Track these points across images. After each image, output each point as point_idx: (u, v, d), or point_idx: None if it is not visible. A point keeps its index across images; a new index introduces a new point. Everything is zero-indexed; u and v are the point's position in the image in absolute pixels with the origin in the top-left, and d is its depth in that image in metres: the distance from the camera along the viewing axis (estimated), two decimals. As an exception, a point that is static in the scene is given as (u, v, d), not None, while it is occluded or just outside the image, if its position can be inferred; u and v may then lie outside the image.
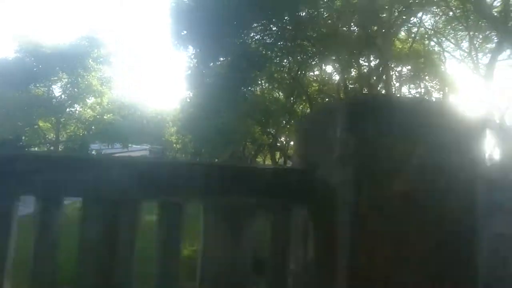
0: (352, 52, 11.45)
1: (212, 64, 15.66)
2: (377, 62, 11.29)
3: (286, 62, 16.87)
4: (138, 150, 57.23)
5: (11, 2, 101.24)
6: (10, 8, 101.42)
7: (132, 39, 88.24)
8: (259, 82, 22.83)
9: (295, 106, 20.36)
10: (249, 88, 16.08)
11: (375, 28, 10.66)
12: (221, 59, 15.17)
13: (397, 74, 17.85)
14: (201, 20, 13.46)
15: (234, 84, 15.36)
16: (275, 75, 18.44)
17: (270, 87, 22.04)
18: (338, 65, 12.65)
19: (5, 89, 20.59)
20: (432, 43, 16.60)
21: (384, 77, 10.70)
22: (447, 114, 1.27)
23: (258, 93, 22.28)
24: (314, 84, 18.28)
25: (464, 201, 1.20)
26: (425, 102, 1.87)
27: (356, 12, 11.79)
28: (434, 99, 16.26)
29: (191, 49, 15.43)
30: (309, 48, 14.60)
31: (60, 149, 21.81)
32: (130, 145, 28.34)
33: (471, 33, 14.30)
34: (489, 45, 14.78)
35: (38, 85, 21.19)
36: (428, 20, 15.28)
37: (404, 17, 11.75)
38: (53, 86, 21.75)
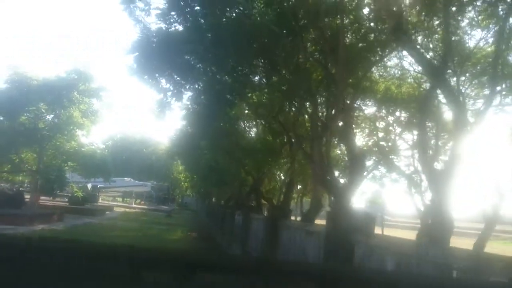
0: (310, 89, 11.00)
1: (183, 99, 15.48)
2: (332, 100, 10.74)
3: (265, 99, 16.57)
4: (139, 186, 57.64)
5: (9, 32, 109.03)
6: (7, 38, 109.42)
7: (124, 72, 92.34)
8: (252, 122, 22.72)
9: (283, 146, 19.73)
10: (221, 124, 15.68)
11: (332, 63, 10.23)
12: (191, 93, 14.96)
13: (395, 120, 17.36)
14: (171, 54, 13.44)
15: (205, 121, 15.10)
16: (259, 111, 18.14)
17: (260, 126, 21.75)
18: (298, 103, 12.21)
19: (-8, 117, 21.34)
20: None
21: (341, 117, 10.09)
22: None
23: (244, 131, 22.03)
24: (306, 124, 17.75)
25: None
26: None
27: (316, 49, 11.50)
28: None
29: (163, 83, 15.30)
30: (281, 85, 14.28)
31: (37, 178, 21.99)
32: (113, 179, 28.20)
33: (461, 78, 13.69)
34: (478, 91, 14.13)
35: (25, 115, 21.77)
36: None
37: (374, 57, 11.33)
38: (39, 116, 22.29)
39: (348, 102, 10.73)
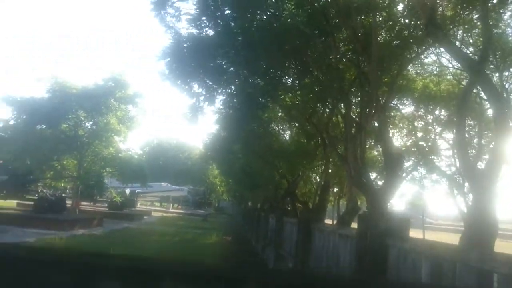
0: (343, 89, 10.82)
1: (215, 103, 15.63)
2: (366, 100, 10.51)
3: (298, 101, 16.50)
4: (176, 190, 58.66)
5: (52, 44, 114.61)
6: (49, 48, 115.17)
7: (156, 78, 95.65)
8: (285, 125, 22.63)
9: (317, 149, 19.52)
10: (254, 127, 15.75)
11: (365, 62, 10.03)
12: (223, 97, 15.11)
13: (434, 118, 16.99)
14: (203, 59, 13.63)
15: (238, 124, 15.22)
16: (292, 113, 18.04)
17: (294, 128, 21.62)
18: (331, 103, 12.04)
19: (36, 125, 22.45)
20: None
21: (375, 117, 9.88)
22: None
23: (274, 133, 21.94)
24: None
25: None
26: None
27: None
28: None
29: (196, 87, 15.53)
30: (313, 86, 14.16)
31: (78, 184, 22.88)
32: (150, 184, 28.87)
33: (504, 73, 13.19)
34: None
35: (66, 123, 22.77)
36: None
37: (409, 55, 11.03)
38: (79, 124, 23.24)
39: (383, 101, 10.49)
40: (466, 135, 15.33)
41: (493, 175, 5.72)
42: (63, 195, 29.18)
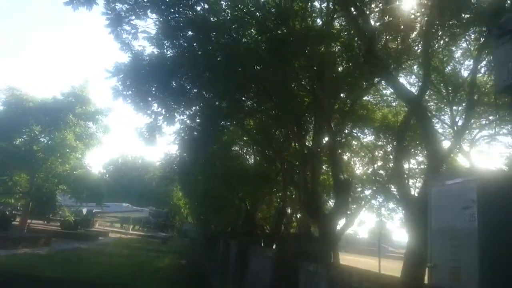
0: (297, 114, 11.00)
1: (175, 122, 15.48)
2: (318, 126, 10.74)
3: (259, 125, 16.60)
4: (136, 211, 57.18)
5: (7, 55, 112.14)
6: (6, 58, 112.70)
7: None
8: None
9: (278, 173, 19.61)
10: (214, 149, 15.65)
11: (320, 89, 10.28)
12: (183, 118, 14.99)
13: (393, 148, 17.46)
14: (163, 78, 13.56)
15: (197, 146, 15.09)
16: (253, 137, 18.10)
17: (256, 152, 21.67)
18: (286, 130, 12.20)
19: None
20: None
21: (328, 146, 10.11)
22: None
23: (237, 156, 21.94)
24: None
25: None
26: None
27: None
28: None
29: (155, 107, 15.36)
30: (272, 110, 14.34)
31: (29, 201, 21.93)
32: (106, 204, 28.07)
33: (454, 108, 13.85)
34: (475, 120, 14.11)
35: (20, 137, 21.95)
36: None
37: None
38: (34, 138, 22.43)
39: (335, 128, 10.73)
40: (414, 166, 15.91)
41: (425, 201, 5.88)
42: (13, 212, 27.85)
